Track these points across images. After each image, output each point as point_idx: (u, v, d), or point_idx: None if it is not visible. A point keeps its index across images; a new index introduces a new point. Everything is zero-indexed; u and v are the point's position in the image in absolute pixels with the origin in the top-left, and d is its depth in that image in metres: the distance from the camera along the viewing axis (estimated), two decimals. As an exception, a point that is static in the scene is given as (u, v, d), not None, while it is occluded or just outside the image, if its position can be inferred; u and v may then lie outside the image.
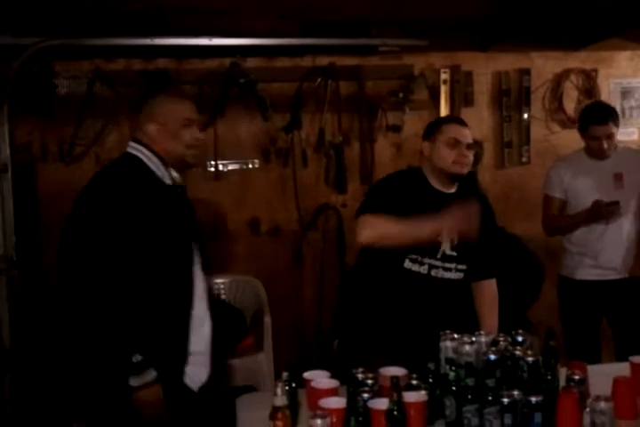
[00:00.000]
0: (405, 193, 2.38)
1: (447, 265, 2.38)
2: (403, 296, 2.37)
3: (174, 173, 2.11)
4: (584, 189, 3.07)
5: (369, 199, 2.46)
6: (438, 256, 2.36)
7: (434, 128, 2.45)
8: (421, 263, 2.35)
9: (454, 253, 2.39)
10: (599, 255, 3.07)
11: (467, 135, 2.40)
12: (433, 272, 2.36)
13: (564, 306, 3.22)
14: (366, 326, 2.41)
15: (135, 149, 2.06)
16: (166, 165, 2.07)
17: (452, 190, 2.45)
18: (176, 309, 2.02)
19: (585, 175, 3.09)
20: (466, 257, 2.41)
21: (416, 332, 2.34)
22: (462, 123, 2.49)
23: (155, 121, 2.05)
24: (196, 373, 2.06)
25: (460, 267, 2.41)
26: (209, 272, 2.17)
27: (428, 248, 2.35)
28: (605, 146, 2.98)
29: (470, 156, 2.40)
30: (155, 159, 2.04)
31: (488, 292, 2.54)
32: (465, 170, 2.39)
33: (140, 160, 2.03)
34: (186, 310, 2.03)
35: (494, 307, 2.53)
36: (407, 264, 2.35)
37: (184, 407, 2.04)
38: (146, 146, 2.05)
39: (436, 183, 2.42)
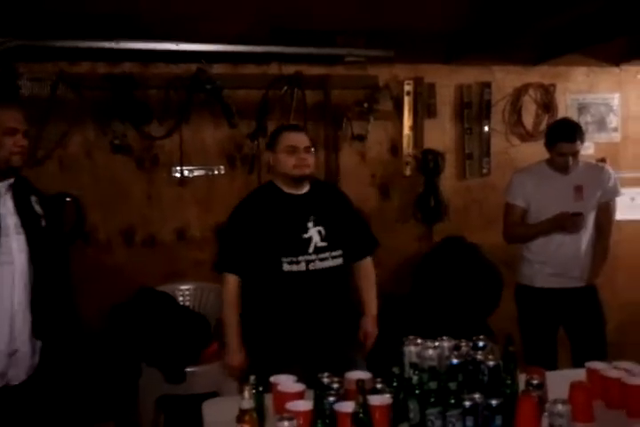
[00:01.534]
0: (260, 205, 2.54)
1: (322, 256, 2.51)
2: (290, 297, 2.48)
3: None
4: (546, 199, 3.14)
5: (224, 243, 2.62)
6: (310, 251, 2.49)
7: (273, 139, 2.59)
8: (297, 262, 2.46)
9: (325, 244, 2.51)
10: (559, 264, 3.14)
11: (302, 140, 2.54)
12: (311, 266, 2.48)
13: (523, 313, 3.27)
14: (261, 333, 2.50)
15: None
16: None
17: (304, 191, 2.58)
18: None
19: (547, 186, 3.16)
20: (337, 243, 2.54)
21: (309, 329, 2.47)
22: (297, 129, 2.66)
23: None
24: None
25: (334, 254, 2.53)
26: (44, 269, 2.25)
27: (299, 247, 2.48)
28: (571, 162, 3.08)
29: (309, 158, 2.53)
30: None
31: (363, 268, 2.70)
32: (307, 171, 2.53)
33: None
34: None
35: (371, 281, 2.69)
36: (286, 267, 2.46)
37: None
38: None
39: (285, 187, 2.56)
